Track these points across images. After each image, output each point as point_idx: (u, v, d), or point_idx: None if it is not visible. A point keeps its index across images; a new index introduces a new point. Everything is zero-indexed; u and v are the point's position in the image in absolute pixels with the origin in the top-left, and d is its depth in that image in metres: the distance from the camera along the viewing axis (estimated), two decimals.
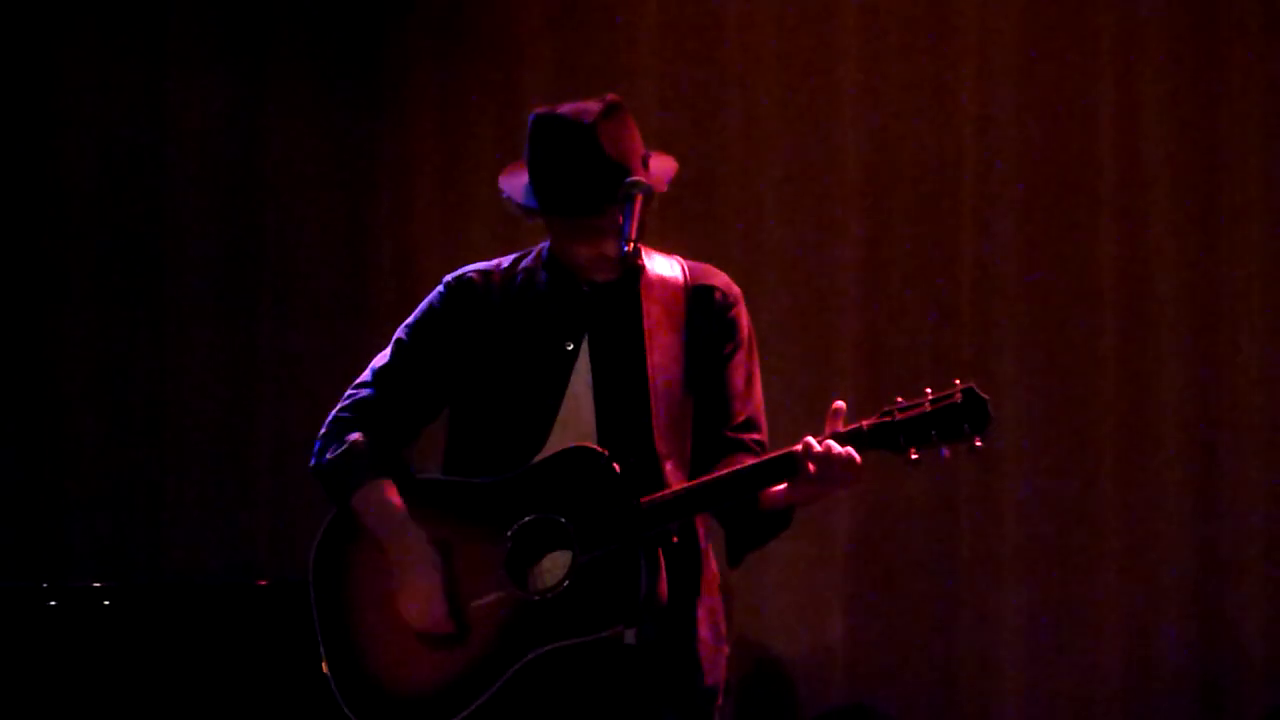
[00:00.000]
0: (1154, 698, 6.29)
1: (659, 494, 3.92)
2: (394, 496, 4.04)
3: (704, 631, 4.06)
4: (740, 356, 4.13)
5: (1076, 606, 6.31)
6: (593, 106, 3.99)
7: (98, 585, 5.53)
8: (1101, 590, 6.30)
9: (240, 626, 5.52)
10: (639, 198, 3.93)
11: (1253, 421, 6.28)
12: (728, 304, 4.13)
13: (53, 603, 5.45)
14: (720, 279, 4.16)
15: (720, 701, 4.10)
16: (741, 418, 4.11)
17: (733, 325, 4.12)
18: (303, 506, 6.61)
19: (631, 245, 3.88)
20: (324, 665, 4.06)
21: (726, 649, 4.12)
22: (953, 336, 6.40)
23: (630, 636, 3.93)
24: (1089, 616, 6.30)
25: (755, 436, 4.12)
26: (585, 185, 3.95)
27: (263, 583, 5.74)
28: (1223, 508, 6.27)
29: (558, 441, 4.00)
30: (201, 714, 5.46)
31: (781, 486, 3.92)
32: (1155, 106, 6.33)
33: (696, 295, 4.11)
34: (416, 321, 4.18)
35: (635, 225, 3.91)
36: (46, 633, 5.43)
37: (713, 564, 4.11)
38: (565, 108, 4.01)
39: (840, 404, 3.90)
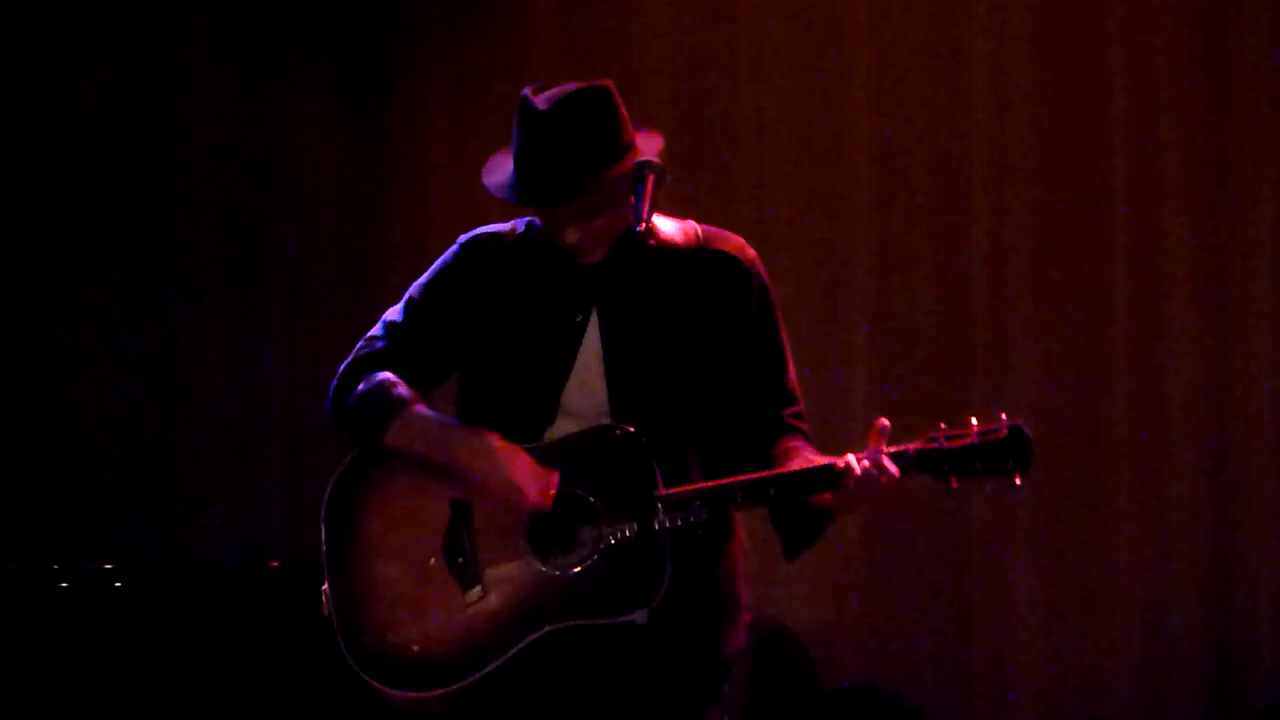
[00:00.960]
0: (1166, 680, 6.28)
1: (690, 486, 3.89)
2: (438, 413, 3.99)
3: (725, 600, 4.03)
4: (764, 326, 4.07)
5: (1089, 586, 6.30)
6: (567, 88, 3.94)
7: (109, 567, 5.53)
8: (1114, 573, 6.30)
9: (252, 608, 5.52)
10: (650, 178, 3.87)
11: (1265, 410, 6.26)
12: (744, 270, 4.06)
13: (64, 584, 5.46)
14: (733, 242, 4.09)
15: (735, 671, 4.06)
16: (776, 393, 4.06)
17: (750, 292, 4.06)
18: (314, 495, 6.61)
19: (644, 225, 3.82)
20: (324, 606, 3.99)
21: (749, 616, 4.08)
22: (965, 327, 6.38)
23: (642, 617, 3.88)
24: (1102, 596, 6.30)
25: (793, 409, 4.06)
26: (547, 174, 3.91)
27: (274, 564, 5.74)
28: (1234, 495, 6.25)
29: (568, 414, 3.97)
30: (214, 696, 5.46)
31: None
32: (1167, 96, 6.32)
33: (709, 261, 4.05)
34: (429, 279, 4.13)
35: (647, 206, 3.85)
36: (58, 615, 5.43)
37: (740, 532, 4.07)
38: (542, 93, 3.96)
39: (884, 421, 3.87)
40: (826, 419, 4.32)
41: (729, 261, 4.06)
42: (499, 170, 4.05)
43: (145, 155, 6.91)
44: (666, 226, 4.06)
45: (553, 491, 3.89)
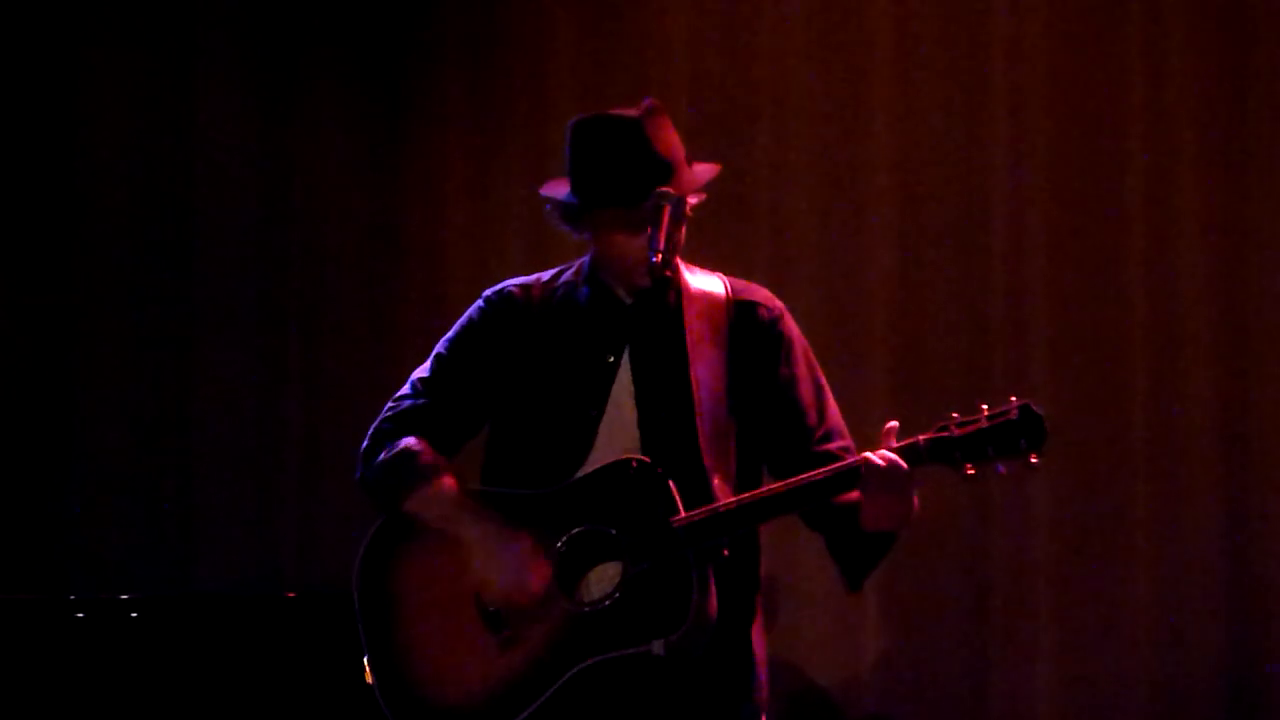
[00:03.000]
0: (1184, 713, 6.25)
1: (711, 506, 3.90)
2: (457, 487, 4.02)
3: (756, 648, 4.05)
4: (801, 370, 4.11)
5: (1107, 616, 6.27)
6: (635, 109, 4.04)
7: (125, 597, 5.53)
8: (1132, 603, 6.26)
9: (268, 638, 5.52)
10: (666, 208, 3.93)
11: None
12: (772, 319, 4.11)
13: (80, 614, 5.45)
14: (762, 294, 4.15)
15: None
16: (821, 431, 4.09)
17: (780, 340, 4.11)
18: (330, 519, 6.62)
19: (660, 255, 3.88)
20: (367, 674, 4.02)
21: (765, 670, 4.10)
22: (984, 345, 6.36)
23: (659, 647, 3.89)
24: (1119, 626, 6.26)
25: (841, 444, 4.09)
26: (633, 175, 3.96)
27: (291, 594, 5.73)
28: (1254, 519, 6.22)
29: (601, 454, 3.99)
30: None
31: (854, 497, 3.90)
32: (1184, 115, 6.29)
33: (739, 311, 4.10)
34: (456, 335, 4.16)
35: (664, 235, 3.91)
36: (75, 645, 5.43)
37: (761, 576, 4.09)
38: (606, 113, 4.06)
39: (893, 423, 3.90)
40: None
41: (758, 310, 4.12)
42: (559, 193, 4.09)
43: (162, 187, 6.91)
44: (697, 277, 4.12)
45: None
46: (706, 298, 4.08)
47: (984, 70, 6.42)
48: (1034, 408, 3.82)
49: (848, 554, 4.05)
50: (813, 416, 4.09)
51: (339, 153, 6.89)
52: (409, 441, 4.06)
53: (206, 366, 6.88)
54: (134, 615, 5.47)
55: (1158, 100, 6.31)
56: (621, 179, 3.99)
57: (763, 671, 4.09)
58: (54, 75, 6.89)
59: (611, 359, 4.03)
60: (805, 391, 4.10)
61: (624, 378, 4.02)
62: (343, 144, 6.89)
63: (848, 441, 4.11)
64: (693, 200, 4.04)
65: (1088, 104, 6.36)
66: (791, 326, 4.13)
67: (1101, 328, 6.32)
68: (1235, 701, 6.21)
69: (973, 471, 3.81)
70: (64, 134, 6.90)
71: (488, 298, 4.17)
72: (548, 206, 4.12)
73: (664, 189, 3.96)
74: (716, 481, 3.97)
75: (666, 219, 3.91)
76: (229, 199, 6.91)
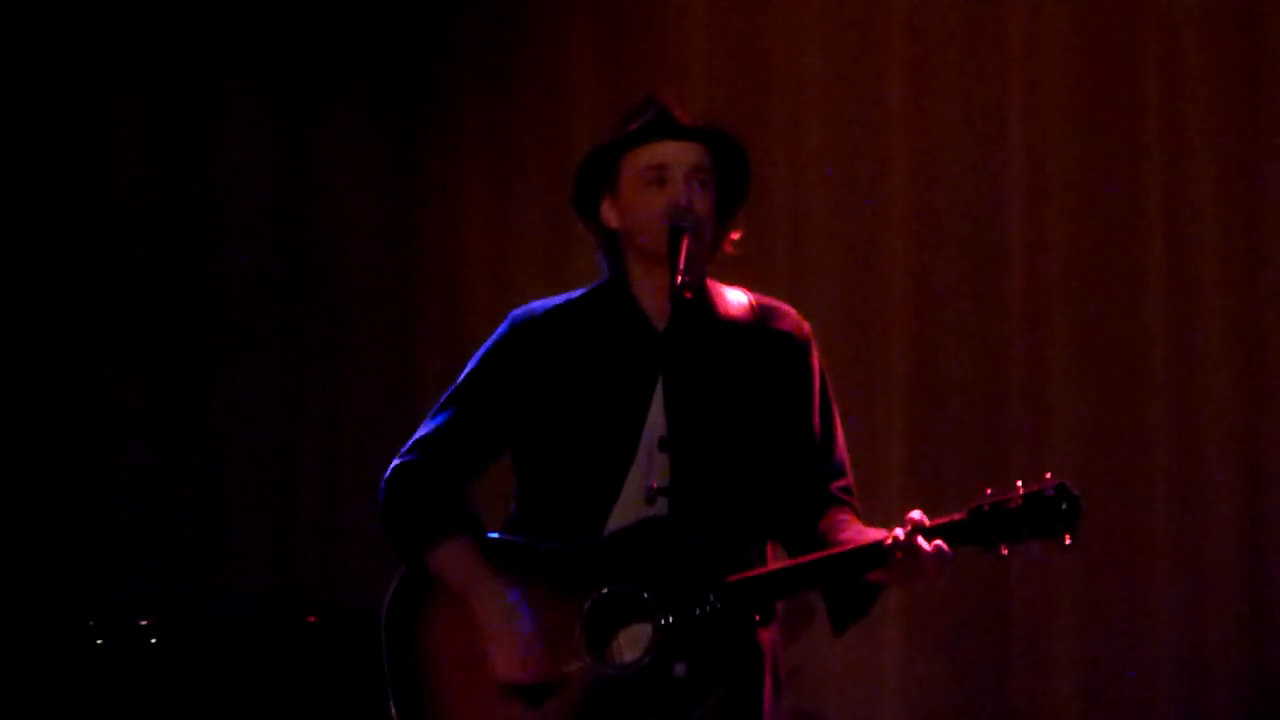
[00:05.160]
0: None
1: (746, 574, 3.86)
2: (475, 551, 3.96)
3: (768, 699, 4.00)
4: (818, 401, 4.07)
5: (1127, 633, 6.23)
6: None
7: (144, 623, 5.52)
8: (1151, 618, 6.23)
9: (288, 662, 5.51)
10: (686, 237, 3.89)
11: None
12: (800, 347, 4.08)
13: (100, 640, 5.45)
14: (790, 320, 4.10)
15: None
16: (827, 467, 4.05)
17: (807, 370, 4.07)
18: (351, 543, 6.62)
19: (680, 279, 3.84)
20: None
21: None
22: (1001, 349, 6.34)
23: (680, 670, 3.81)
24: (1139, 643, 6.23)
25: (842, 483, 4.06)
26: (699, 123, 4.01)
27: (311, 619, 5.73)
28: (1275, 529, 6.20)
29: (632, 490, 3.93)
30: None
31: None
32: (1199, 114, 6.28)
33: (768, 338, 4.06)
34: (482, 359, 4.09)
35: (684, 260, 3.86)
36: (95, 671, 5.43)
37: (776, 626, 4.05)
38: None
39: (914, 513, 3.82)
40: (864, 468, 4.28)
41: (788, 338, 4.08)
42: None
43: (183, 210, 6.93)
44: (724, 297, 4.08)
45: (568, 647, 3.83)
46: (736, 324, 4.04)
47: (1000, 72, 6.41)
48: (1069, 488, 3.76)
49: (840, 600, 4.00)
50: (821, 450, 4.06)
51: (359, 177, 6.90)
52: (427, 495, 4.01)
53: (227, 388, 6.89)
54: (154, 640, 5.47)
55: (1173, 104, 6.29)
56: (706, 124, 4.01)
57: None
58: (76, 94, 6.90)
59: (643, 391, 3.97)
60: (818, 425, 4.06)
61: (656, 413, 3.96)
62: (362, 162, 6.91)
63: (849, 481, 4.08)
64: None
65: (1104, 105, 6.34)
66: (816, 356, 4.09)
67: (1120, 333, 6.29)
68: (1254, 709, 6.20)
69: (1006, 552, 3.76)
70: (86, 151, 6.91)
71: (514, 321, 4.10)
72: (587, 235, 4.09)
73: (681, 207, 3.92)
74: (745, 529, 3.95)
75: (686, 245, 3.87)
76: (248, 220, 6.92)
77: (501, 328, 4.10)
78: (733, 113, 6.55)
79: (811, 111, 6.54)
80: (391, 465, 4.07)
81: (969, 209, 6.41)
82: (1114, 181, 6.32)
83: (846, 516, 3.99)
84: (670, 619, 3.81)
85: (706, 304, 4.03)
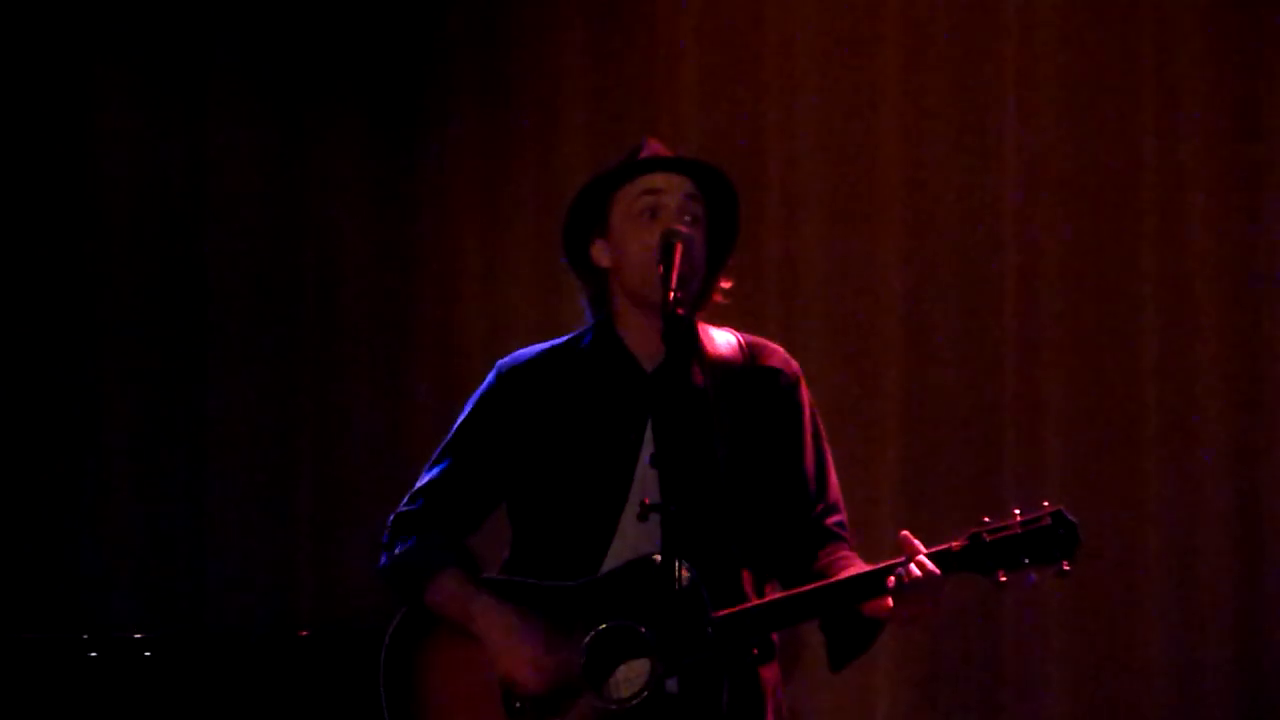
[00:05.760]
0: None
1: (741, 607, 3.87)
2: (473, 581, 3.99)
3: None
4: (809, 438, 4.09)
5: (1120, 650, 6.23)
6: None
7: (139, 636, 5.52)
8: (1144, 636, 6.23)
9: (281, 677, 5.51)
10: (679, 246, 3.90)
11: None
12: (790, 384, 4.10)
13: (93, 654, 5.45)
14: (778, 357, 4.12)
15: None
16: (821, 503, 4.07)
17: (798, 407, 4.09)
18: (346, 557, 6.62)
19: (673, 295, 3.82)
20: None
21: None
22: (995, 360, 6.34)
23: (673, 685, 3.83)
24: (1132, 660, 6.23)
25: (837, 519, 4.07)
26: (690, 159, 4.05)
27: (304, 633, 5.73)
28: (1266, 554, 6.20)
29: (626, 532, 3.94)
30: None
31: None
32: (1193, 114, 6.29)
33: (758, 376, 4.07)
34: (472, 409, 4.12)
35: (676, 275, 3.85)
36: (88, 684, 5.42)
37: (776, 664, 4.06)
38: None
39: (905, 532, 3.83)
40: (858, 486, 4.29)
41: (777, 375, 4.09)
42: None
43: (174, 220, 6.92)
44: (713, 338, 4.09)
45: (569, 677, 3.85)
46: (724, 364, 4.05)
47: (995, 77, 6.42)
48: (1067, 514, 3.78)
49: (840, 635, 4.01)
50: (814, 487, 4.07)
51: (351, 188, 6.90)
52: (425, 535, 4.04)
53: (219, 401, 6.88)
54: (147, 654, 5.46)
55: (1167, 104, 6.30)
56: (697, 162, 4.05)
57: None
58: (69, 98, 6.90)
59: (633, 435, 3.98)
60: (810, 461, 4.08)
61: (647, 457, 3.97)
62: (354, 179, 6.91)
63: (843, 516, 4.09)
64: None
65: (1098, 109, 6.35)
66: (806, 393, 4.11)
67: (1113, 344, 6.30)
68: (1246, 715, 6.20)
69: (1005, 579, 3.77)
70: (79, 159, 6.91)
71: (500, 370, 4.14)
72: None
73: (674, 228, 3.93)
74: (741, 567, 3.96)
75: (679, 259, 3.86)
76: (242, 228, 6.92)
77: (489, 377, 4.14)
78: (725, 117, 6.58)
79: (804, 127, 6.55)
80: (392, 515, 4.12)
81: (961, 223, 6.42)
82: (1107, 190, 6.33)
83: (845, 553, 4.01)
84: (667, 654, 3.82)
85: (695, 344, 4.05)
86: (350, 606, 6.43)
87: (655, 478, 3.90)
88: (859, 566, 3.93)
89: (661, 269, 3.87)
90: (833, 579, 3.88)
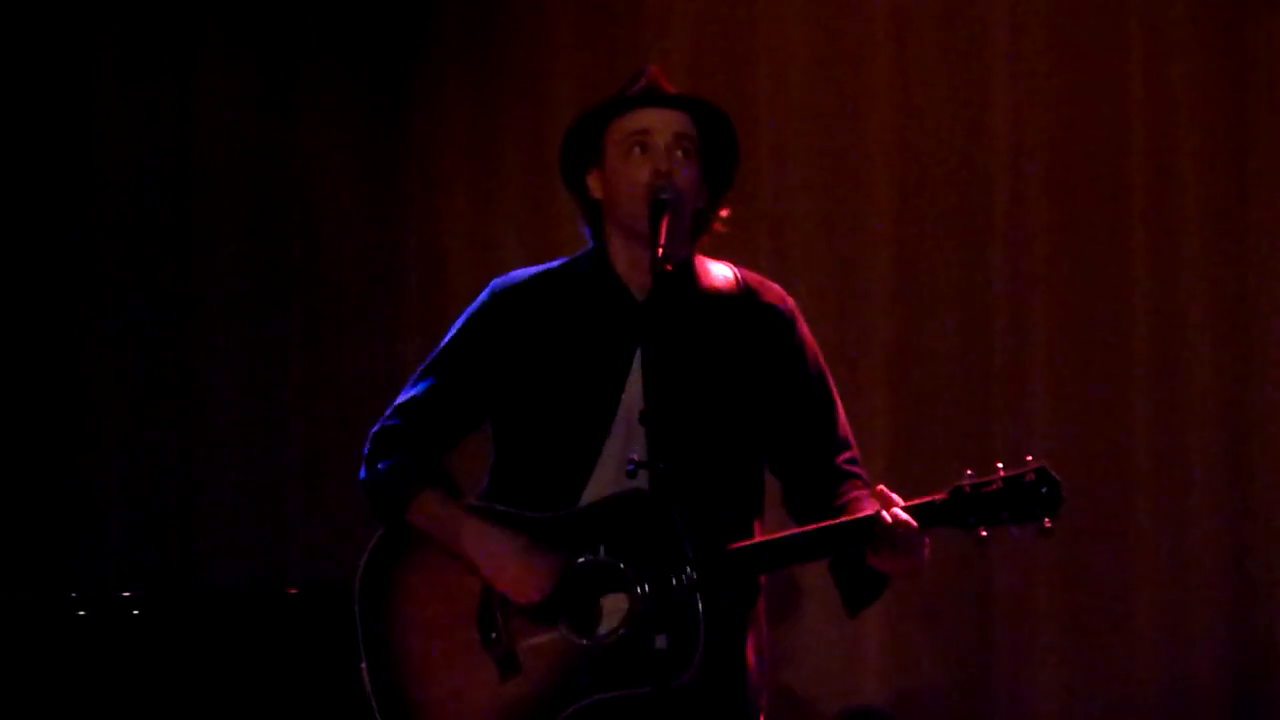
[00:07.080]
0: (1188, 716, 6.24)
1: (722, 550, 3.84)
2: (457, 499, 3.98)
3: (752, 675, 4.00)
4: (814, 377, 4.06)
5: (1110, 618, 6.26)
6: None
7: (126, 594, 5.53)
8: (1135, 605, 6.25)
9: (270, 635, 5.51)
10: (667, 214, 3.87)
11: None
12: (788, 320, 4.07)
13: (82, 612, 5.45)
14: (776, 293, 4.10)
15: None
16: (830, 441, 4.05)
17: (796, 343, 4.06)
18: (334, 516, 6.62)
19: (660, 253, 3.80)
20: (366, 683, 3.98)
21: (765, 695, 4.05)
22: (984, 337, 6.36)
23: (662, 641, 3.80)
24: (1123, 628, 6.25)
25: (848, 455, 4.06)
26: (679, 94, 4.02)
27: (292, 590, 5.74)
28: (1256, 527, 6.21)
29: (608, 461, 3.93)
30: None
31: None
32: (1185, 105, 6.30)
33: (755, 312, 4.05)
34: (462, 326, 4.11)
35: (665, 233, 3.84)
36: (76, 642, 5.43)
37: (761, 604, 4.05)
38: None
39: (880, 487, 3.83)
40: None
41: (774, 312, 4.07)
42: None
43: (163, 184, 6.91)
44: (709, 271, 4.06)
45: (549, 588, 3.84)
46: (720, 296, 4.03)
47: (984, 64, 6.42)
48: (1049, 471, 3.77)
49: (851, 584, 4.00)
50: (823, 426, 4.05)
51: (340, 151, 6.89)
52: (405, 454, 4.02)
53: (208, 362, 6.88)
54: (135, 612, 5.47)
55: (1157, 95, 6.31)
56: (686, 96, 4.02)
57: (760, 695, 4.03)
58: (55, 61, 6.88)
59: (621, 362, 3.96)
60: (817, 400, 4.05)
61: (634, 384, 3.95)
62: (343, 142, 6.90)
63: (855, 453, 4.07)
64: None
65: (1088, 99, 6.36)
66: (805, 330, 4.08)
67: (1103, 309, 6.31)
68: (1240, 702, 6.21)
69: (985, 534, 3.75)
70: (67, 137, 6.90)
71: (494, 289, 4.11)
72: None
73: (663, 185, 3.91)
74: (725, 504, 3.94)
75: (666, 222, 3.84)
76: (228, 198, 6.91)
77: (482, 295, 4.11)
78: (716, 82, 6.56)
79: (795, 93, 6.55)
80: (373, 429, 4.09)
81: (952, 183, 6.42)
82: (1099, 156, 6.34)
83: (855, 495, 3.97)
84: (647, 590, 3.81)
85: (690, 277, 4.03)
86: (338, 564, 6.43)
87: (640, 410, 3.82)
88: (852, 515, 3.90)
89: (650, 229, 3.85)
90: (813, 526, 3.86)
